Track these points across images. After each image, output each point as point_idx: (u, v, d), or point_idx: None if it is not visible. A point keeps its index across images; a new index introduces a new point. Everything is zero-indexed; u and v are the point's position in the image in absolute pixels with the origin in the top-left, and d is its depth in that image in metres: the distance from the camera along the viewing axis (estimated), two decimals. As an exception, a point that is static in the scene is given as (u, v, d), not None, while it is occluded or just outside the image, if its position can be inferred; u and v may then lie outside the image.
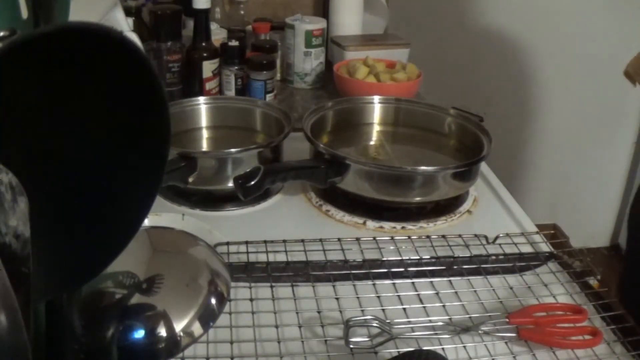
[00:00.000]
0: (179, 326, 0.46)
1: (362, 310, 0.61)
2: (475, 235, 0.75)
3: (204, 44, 1.15)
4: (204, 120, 0.98)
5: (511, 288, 0.67)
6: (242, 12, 1.41)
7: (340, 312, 0.61)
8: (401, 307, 0.62)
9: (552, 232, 0.76)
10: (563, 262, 0.72)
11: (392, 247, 0.73)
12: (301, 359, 0.56)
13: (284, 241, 0.71)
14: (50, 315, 0.42)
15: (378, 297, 0.63)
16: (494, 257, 0.72)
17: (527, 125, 2.08)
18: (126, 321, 0.46)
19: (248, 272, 0.66)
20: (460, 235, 0.75)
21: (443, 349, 0.56)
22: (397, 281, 0.66)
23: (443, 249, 0.73)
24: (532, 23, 1.92)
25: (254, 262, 0.68)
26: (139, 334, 0.45)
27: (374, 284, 0.65)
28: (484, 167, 0.95)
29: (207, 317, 0.48)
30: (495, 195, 0.90)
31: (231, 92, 1.17)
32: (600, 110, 2.08)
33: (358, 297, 0.63)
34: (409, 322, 0.59)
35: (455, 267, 0.70)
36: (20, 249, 0.29)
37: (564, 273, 0.70)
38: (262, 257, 0.69)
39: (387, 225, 0.80)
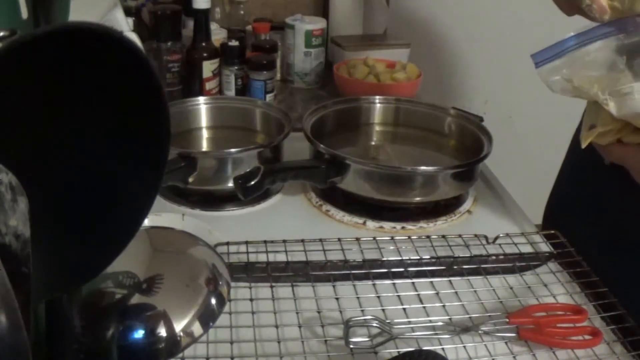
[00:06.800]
0: (179, 326, 0.46)
1: (362, 310, 0.61)
2: (475, 235, 0.75)
3: (204, 44, 1.15)
4: (204, 120, 0.98)
5: (511, 288, 0.67)
6: (242, 12, 1.41)
7: (340, 312, 0.61)
8: (401, 307, 0.62)
9: (552, 232, 0.76)
10: (563, 262, 0.72)
11: (392, 247, 0.73)
12: (301, 359, 0.56)
13: (284, 241, 0.71)
14: (50, 315, 0.42)
15: (378, 297, 0.63)
16: (494, 257, 0.72)
17: (527, 125, 2.08)
18: (126, 321, 0.46)
19: (248, 272, 0.66)
20: (460, 235, 0.75)
21: (443, 349, 0.56)
22: (397, 281, 0.66)
23: (443, 249, 0.73)
24: (532, 23, 1.91)
25: (254, 262, 0.68)
26: (139, 334, 0.45)
27: (374, 284, 0.65)
28: (483, 167, 0.95)
29: (207, 317, 0.48)
30: (495, 195, 0.90)
31: (231, 92, 1.17)
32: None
33: (358, 297, 0.63)
34: (409, 322, 0.59)
35: (455, 267, 0.70)
36: (20, 249, 0.29)
37: (564, 273, 0.70)
38: (262, 257, 0.69)
39: (387, 225, 0.80)
